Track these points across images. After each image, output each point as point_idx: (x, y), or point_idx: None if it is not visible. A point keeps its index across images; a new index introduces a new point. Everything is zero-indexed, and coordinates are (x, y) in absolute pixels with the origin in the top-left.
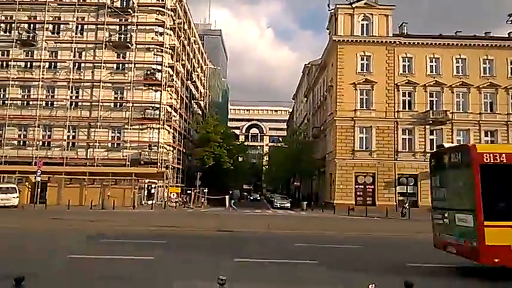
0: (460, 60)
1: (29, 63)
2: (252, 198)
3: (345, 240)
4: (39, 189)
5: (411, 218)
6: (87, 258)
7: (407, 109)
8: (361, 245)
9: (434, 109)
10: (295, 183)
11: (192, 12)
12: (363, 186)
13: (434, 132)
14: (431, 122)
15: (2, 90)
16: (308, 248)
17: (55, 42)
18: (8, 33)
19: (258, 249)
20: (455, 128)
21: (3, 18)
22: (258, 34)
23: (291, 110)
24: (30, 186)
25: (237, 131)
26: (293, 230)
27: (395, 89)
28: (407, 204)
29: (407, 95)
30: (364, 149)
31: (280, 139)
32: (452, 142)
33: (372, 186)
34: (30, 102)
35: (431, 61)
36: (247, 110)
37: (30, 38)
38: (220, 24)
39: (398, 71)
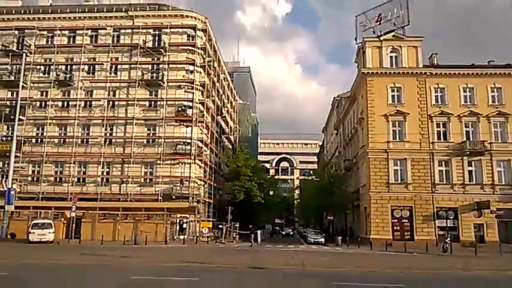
0: (495, 89)
1: (65, 102)
2: (284, 233)
3: (385, 278)
4: (74, 225)
5: (453, 253)
6: None
7: (442, 140)
8: (403, 283)
9: (471, 139)
10: (328, 217)
11: (221, 50)
12: (399, 221)
13: (473, 163)
14: (468, 153)
15: (40, 128)
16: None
17: (90, 82)
18: (46, 75)
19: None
20: (494, 158)
21: (42, 60)
22: (286, 70)
23: (321, 143)
24: (65, 222)
25: (267, 165)
26: (329, 268)
27: (429, 120)
28: (448, 239)
29: (441, 126)
30: (399, 181)
31: (311, 172)
32: (492, 173)
33: (410, 220)
34: (67, 140)
35: (464, 91)
36: (276, 144)
37: (67, 79)
38: (249, 61)
39: (431, 102)
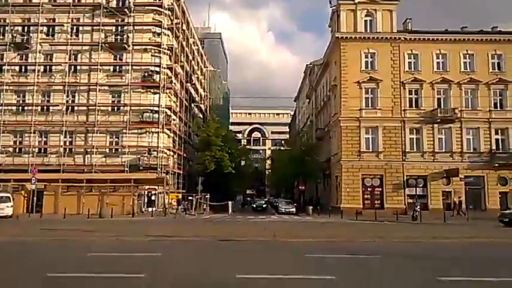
0: (467, 56)
1: (23, 67)
2: (254, 205)
3: (359, 249)
4: (35, 198)
5: (423, 221)
6: (65, 276)
7: (414, 107)
8: (378, 254)
9: (442, 107)
10: (299, 187)
11: (191, 15)
12: (370, 189)
13: (443, 131)
14: (439, 120)
15: None
16: (320, 260)
17: (50, 45)
18: (1, 37)
19: (264, 262)
20: (464, 126)
21: None
22: (258, 38)
23: (292, 113)
24: (26, 195)
25: (239, 135)
26: (301, 238)
27: (402, 87)
28: (418, 207)
29: (413, 93)
30: (370, 150)
31: (283, 142)
32: (461, 141)
33: (380, 189)
34: (25, 108)
35: (437, 57)
36: (248, 114)
37: (25, 41)
38: (220, 28)
39: (404, 68)
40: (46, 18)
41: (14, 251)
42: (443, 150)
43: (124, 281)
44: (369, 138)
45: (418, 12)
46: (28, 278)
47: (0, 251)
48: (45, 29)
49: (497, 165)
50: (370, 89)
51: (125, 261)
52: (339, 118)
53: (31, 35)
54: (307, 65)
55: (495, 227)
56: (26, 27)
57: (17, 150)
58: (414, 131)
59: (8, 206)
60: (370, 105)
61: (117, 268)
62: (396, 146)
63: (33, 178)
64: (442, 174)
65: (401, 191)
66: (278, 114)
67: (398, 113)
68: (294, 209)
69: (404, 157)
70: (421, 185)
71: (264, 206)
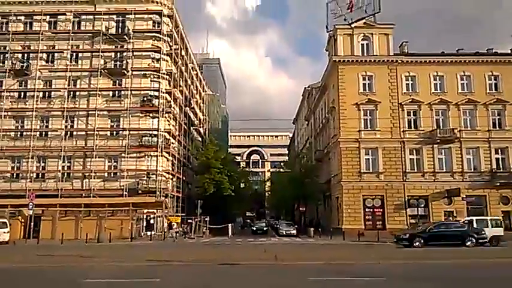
0: (464, 77)
1: (22, 93)
2: (254, 228)
3: (363, 272)
4: (32, 224)
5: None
6: None
7: (413, 128)
8: (383, 276)
9: (441, 127)
10: (300, 209)
11: (190, 42)
12: (371, 210)
13: (443, 151)
14: (438, 141)
15: None
16: (324, 284)
17: (49, 71)
18: (1, 64)
19: (266, 287)
20: (464, 146)
21: None
22: (256, 63)
23: (291, 135)
24: (23, 220)
25: (238, 158)
26: (303, 261)
27: (400, 109)
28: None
29: (412, 114)
30: (371, 170)
31: (282, 164)
32: (462, 161)
33: (381, 209)
34: (24, 133)
35: (435, 79)
36: (247, 137)
37: (24, 68)
38: (219, 54)
39: (401, 90)
40: (46, 45)
41: (10, 278)
42: (444, 170)
43: None
44: (369, 159)
45: (415, 37)
46: None
47: None
48: (44, 55)
49: (498, 184)
50: (368, 111)
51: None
52: (339, 139)
53: (31, 61)
54: (305, 88)
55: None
56: (25, 54)
57: (15, 176)
58: (414, 151)
59: (4, 232)
60: (369, 126)
61: None
62: (396, 167)
63: (31, 203)
64: (443, 194)
65: (403, 211)
66: (277, 136)
67: (398, 134)
68: (295, 231)
69: (405, 177)
70: (422, 205)
71: (265, 228)
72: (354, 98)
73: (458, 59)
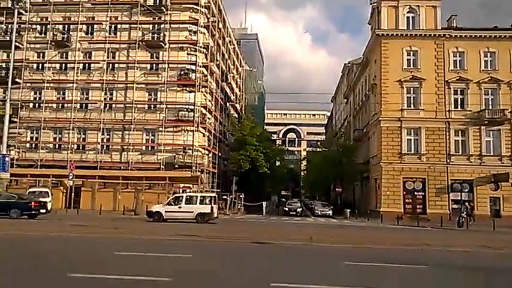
0: None
1: (63, 64)
2: (287, 208)
3: (404, 258)
4: (73, 194)
5: (469, 228)
6: (88, 277)
7: (459, 108)
8: (426, 263)
9: (490, 108)
10: (336, 190)
11: (228, 18)
12: (412, 193)
13: (491, 133)
14: (486, 122)
15: (38, 92)
16: (362, 269)
17: (89, 43)
18: (43, 35)
19: (301, 269)
20: None
21: (38, 19)
22: (295, 39)
23: (329, 114)
24: (64, 191)
25: (274, 136)
26: (340, 244)
27: (446, 87)
28: (464, 213)
29: (459, 93)
30: (412, 152)
31: (319, 143)
32: (511, 144)
33: (422, 193)
34: (65, 105)
35: (485, 56)
36: (284, 114)
37: (65, 39)
38: (257, 29)
39: (448, 67)
40: (86, 17)
41: (36, 247)
42: (491, 154)
43: (148, 285)
44: (410, 139)
45: (464, 11)
46: (48, 279)
47: (26, 246)
48: (84, 27)
49: None
50: (412, 88)
51: (152, 262)
52: (379, 118)
53: (71, 33)
54: (345, 64)
55: None
56: (66, 26)
57: (57, 146)
58: (459, 132)
59: (46, 201)
60: (412, 105)
61: (142, 270)
62: (440, 149)
63: (71, 174)
64: (489, 179)
65: (445, 196)
66: (314, 115)
67: (443, 114)
68: (330, 212)
69: (448, 160)
70: (466, 190)
71: (299, 209)
72: (397, 74)
73: None
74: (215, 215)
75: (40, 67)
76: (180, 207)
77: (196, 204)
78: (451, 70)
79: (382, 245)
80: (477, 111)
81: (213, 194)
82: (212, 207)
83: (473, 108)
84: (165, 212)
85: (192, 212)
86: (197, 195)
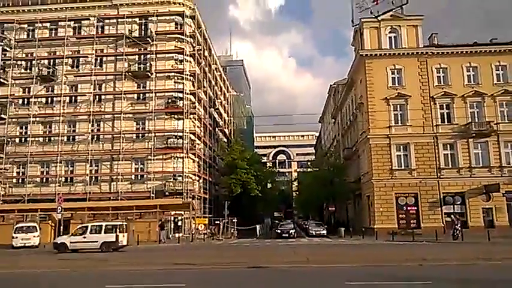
0: (500, 67)
1: (49, 98)
2: (279, 231)
3: (406, 274)
4: (62, 227)
5: (465, 240)
6: None
7: (446, 123)
8: (429, 279)
9: (477, 121)
10: (329, 209)
11: (214, 45)
12: (405, 208)
13: (479, 145)
14: (474, 134)
15: (24, 127)
16: None
17: (75, 76)
18: (28, 70)
19: None
20: (501, 139)
21: (23, 55)
22: (280, 64)
23: (317, 134)
24: (53, 224)
25: (264, 159)
26: (338, 263)
27: (432, 102)
28: (458, 226)
29: (445, 108)
30: (403, 167)
31: (309, 163)
32: (499, 155)
33: (415, 208)
34: (52, 138)
35: (468, 70)
36: (273, 137)
37: (50, 74)
38: (243, 55)
39: (433, 83)
40: (71, 51)
41: (23, 285)
42: (481, 165)
43: None
44: (400, 155)
45: (444, 26)
46: None
47: (13, 283)
48: (70, 61)
49: None
50: (398, 105)
51: None
52: (368, 136)
53: (56, 67)
54: (331, 85)
55: None
56: (51, 60)
57: (44, 180)
58: (448, 146)
59: (34, 236)
60: (399, 121)
61: None
62: (430, 163)
63: (59, 207)
64: (481, 190)
65: (438, 209)
66: (303, 136)
67: (430, 129)
68: (325, 231)
69: (439, 174)
70: (459, 203)
71: (292, 231)
72: (382, 92)
73: (493, 49)
74: (123, 243)
75: (26, 102)
76: (84, 237)
77: (101, 233)
78: (436, 86)
79: (381, 263)
80: (464, 125)
81: (119, 223)
82: (117, 236)
83: (460, 122)
84: (70, 242)
85: (97, 241)
86: (102, 224)
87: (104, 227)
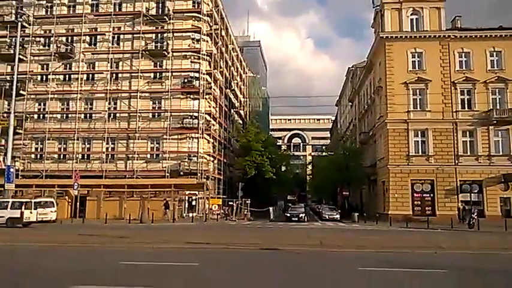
0: None
1: (67, 76)
2: (289, 214)
3: (419, 262)
4: (78, 203)
5: (481, 229)
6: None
7: (466, 109)
8: (444, 267)
9: (498, 107)
10: (343, 193)
11: (231, 26)
12: (420, 195)
13: (500, 133)
14: (495, 122)
15: (42, 104)
16: (379, 275)
17: (92, 54)
18: (47, 47)
19: (313, 277)
20: None
21: (42, 32)
22: (297, 45)
23: (334, 118)
24: (70, 200)
25: (279, 142)
26: (351, 248)
27: (453, 87)
28: (475, 214)
29: (466, 94)
30: (420, 153)
31: (324, 147)
32: None
33: (431, 195)
34: (69, 115)
35: (491, 55)
36: (288, 120)
37: (68, 51)
38: (260, 36)
39: (454, 68)
40: (89, 28)
41: (46, 257)
42: (501, 154)
43: None
44: (418, 141)
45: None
46: None
47: (31, 257)
48: (87, 38)
49: None
50: (418, 90)
51: (156, 272)
52: (386, 120)
53: (74, 44)
54: (349, 68)
55: None
56: (69, 38)
57: (62, 157)
58: (467, 133)
59: (51, 211)
60: (418, 106)
61: (148, 280)
62: (448, 150)
63: (76, 184)
64: (499, 179)
65: (455, 197)
66: (318, 119)
67: (450, 115)
68: (338, 216)
69: (457, 161)
70: (476, 191)
71: (302, 215)
72: (402, 76)
73: None
74: (31, 219)
75: (44, 79)
76: None
77: (7, 209)
78: (457, 71)
79: (395, 249)
80: (485, 111)
81: (26, 200)
82: (22, 212)
83: (481, 108)
84: None
85: (3, 216)
86: (9, 201)
87: (10, 203)
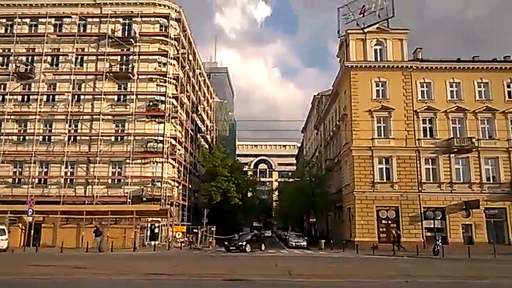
0: (482, 84)
1: (26, 96)
2: (227, 243)
3: None
4: (32, 231)
5: (445, 256)
6: None
7: (429, 137)
8: None
9: (458, 136)
10: (310, 220)
11: (199, 52)
12: (386, 222)
13: (460, 161)
14: (455, 150)
15: None
16: None
17: (53, 74)
18: (5, 67)
19: None
20: (482, 156)
21: (0, 51)
22: (264, 73)
23: (299, 144)
24: (23, 227)
25: (246, 167)
26: (321, 278)
27: (415, 116)
28: (439, 241)
29: (428, 122)
30: (385, 180)
31: (290, 174)
32: (480, 171)
33: (396, 222)
34: (27, 137)
35: (451, 86)
36: (255, 146)
37: (28, 71)
38: (227, 64)
39: (417, 97)
40: (51, 48)
41: None
42: (462, 181)
43: None
44: (382, 168)
45: (428, 42)
46: None
47: None
48: (49, 58)
49: None
50: (382, 118)
51: None
52: (351, 147)
53: (35, 64)
54: (314, 95)
55: None
56: (30, 57)
57: (16, 181)
58: (430, 161)
59: (2, 239)
60: (382, 134)
61: None
62: (411, 177)
63: (30, 210)
64: (461, 206)
65: (419, 224)
66: (285, 145)
67: (413, 142)
68: (305, 243)
69: (420, 188)
70: (439, 218)
71: (243, 244)
72: (366, 104)
73: (475, 65)
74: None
75: (0, 99)
76: None
77: None
78: (419, 100)
79: (366, 278)
80: (446, 140)
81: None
82: None
83: (442, 137)
84: None
85: None
86: None
87: None
